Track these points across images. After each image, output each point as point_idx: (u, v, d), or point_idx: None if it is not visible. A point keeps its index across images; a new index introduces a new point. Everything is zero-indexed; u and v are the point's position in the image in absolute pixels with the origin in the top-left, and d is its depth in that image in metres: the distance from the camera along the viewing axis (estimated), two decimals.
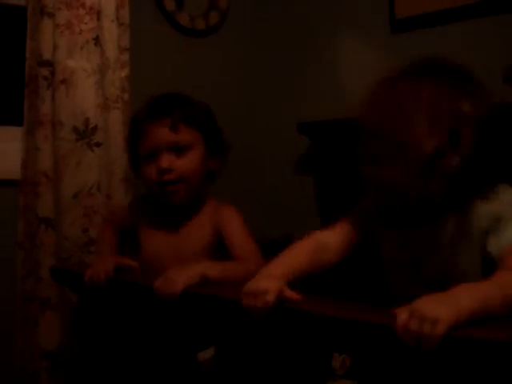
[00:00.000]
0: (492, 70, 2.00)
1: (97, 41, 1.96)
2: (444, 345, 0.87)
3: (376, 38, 2.36)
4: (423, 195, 1.18)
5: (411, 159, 1.15)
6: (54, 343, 1.92)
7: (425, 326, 0.87)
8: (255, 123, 2.62)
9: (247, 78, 2.64)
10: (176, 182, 1.53)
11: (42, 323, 1.91)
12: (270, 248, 1.46)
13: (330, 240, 1.33)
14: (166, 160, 1.51)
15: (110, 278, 1.47)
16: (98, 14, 1.97)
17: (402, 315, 0.90)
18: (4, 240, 1.97)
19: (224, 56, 2.59)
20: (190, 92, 2.36)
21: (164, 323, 1.57)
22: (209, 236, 1.59)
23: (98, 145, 1.94)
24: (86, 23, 1.96)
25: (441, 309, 0.88)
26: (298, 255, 1.28)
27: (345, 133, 2.33)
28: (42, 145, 1.92)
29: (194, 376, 1.49)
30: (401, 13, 2.27)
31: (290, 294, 1.13)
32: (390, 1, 2.29)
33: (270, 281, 1.15)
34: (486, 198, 1.16)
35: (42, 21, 1.92)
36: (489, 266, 1.12)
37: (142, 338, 1.61)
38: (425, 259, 1.23)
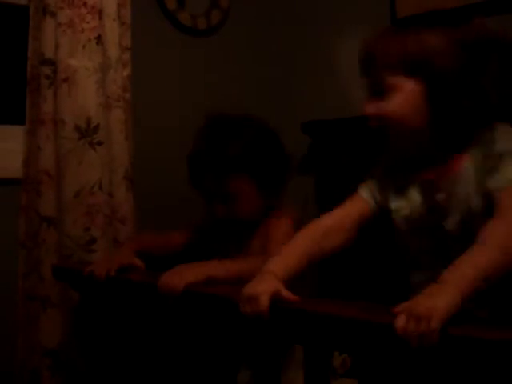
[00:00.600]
0: None
1: (98, 40, 1.96)
2: (445, 342, 0.87)
3: None
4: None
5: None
6: (55, 341, 1.91)
7: (421, 325, 0.88)
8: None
9: (249, 78, 2.64)
10: (233, 221, 1.60)
11: (43, 321, 1.91)
12: None
13: (333, 223, 1.31)
14: (220, 211, 1.59)
15: (111, 275, 1.47)
16: (100, 13, 1.97)
17: (400, 318, 0.91)
18: (6, 238, 1.97)
19: (225, 55, 2.59)
20: (191, 92, 2.38)
21: (165, 322, 1.58)
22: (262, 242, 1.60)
23: (99, 143, 1.94)
24: (87, 22, 1.96)
25: (433, 303, 0.89)
26: (299, 247, 1.26)
27: (346, 132, 2.35)
28: (43, 143, 1.92)
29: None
30: (402, 12, 2.28)
31: (286, 294, 1.13)
32: (391, 0, 2.30)
33: (266, 283, 1.14)
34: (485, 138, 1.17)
35: (44, 20, 1.92)
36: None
37: (144, 336, 1.62)
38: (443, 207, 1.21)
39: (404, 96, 1.18)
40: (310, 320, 1.07)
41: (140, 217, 2.05)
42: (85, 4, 1.96)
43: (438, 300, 0.90)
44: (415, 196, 1.26)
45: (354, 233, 1.32)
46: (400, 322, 0.90)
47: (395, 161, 1.31)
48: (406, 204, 1.27)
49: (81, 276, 1.57)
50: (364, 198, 1.34)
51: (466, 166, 1.18)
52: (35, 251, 1.93)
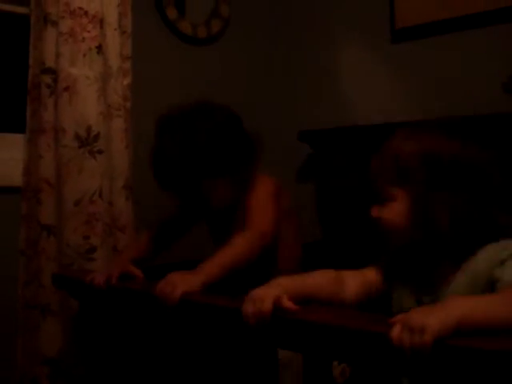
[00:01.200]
0: (492, 79, 2.02)
1: (99, 49, 1.97)
2: (438, 353, 0.88)
3: (376, 48, 2.39)
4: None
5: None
6: (54, 350, 1.92)
7: (415, 336, 0.90)
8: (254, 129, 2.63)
9: (249, 86, 2.65)
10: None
11: (43, 330, 1.92)
12: None
13: (350, 281, 1.33)
14: (194, 206, 1.64)
15: (112, 283, 1.48)
16: (101, 23, 1.99)
17: (395, 329, 0.93)
18: (6, 246, 1.98)
19: (226, 64, 2.60)
20: (191, 100, 2.38)
21: (164, 330, 1.58)
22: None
23: (100, 152, 1.95)
24: (88, 31, 1.97)
25: (428, 318, 0.92)
26: (316, 277, 1.29)
27: (345, 141, 2.36)
28: (44, 152, 1.93)
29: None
30: (401, 22, 2.29)
31: (286, 303, 1.13)
32: (391, 10, 2.32)
33: (272, 288, 1.16)
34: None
35: (46, 29, 1.93)
36: None
37: (143, 345, 1.62)
38: None
39: (396, 206, 1.24)
40: (308, 329, 1.08)
41: (140, 226, 2.06)
42: (86, 13, 1.97)
43: (435, 316, 0.93)
44: (407, 295, 1.30)
45: (360, 300, 1.33)
46: (395, 332, 0.93)
47: (394, 258, 1.35)
48: (401, 300, 1.31)
49: (80, 284, 1.57)
50: (377, 276, 1.36)
51: (457, 280, 1.21)
52: (35, 259, 1.93)
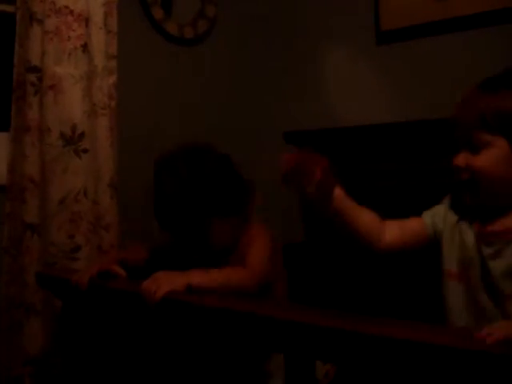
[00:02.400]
0: (475, 81, 2.04)
1: (85, 48, 1.97)
2: None
3: (361, 50, 2.40)
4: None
5: None
6: (38, 349, 1.91)
7: None
8: (242, 132, 2.64)
9: (235, 87, 2.66)
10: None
11: (26, 329, 1.91)
12: None
13: (392, 225, 1.35)
14: (194, 246, 1.60)
15: (93, 280, 1.47)
16: (87, 22, 1.98)
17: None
18: None
19: (212, 64, 2.60)
20: (178, 101, 2.39)
21: (148, 329, 1.58)
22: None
23: (85, 151, 1.94)
24: (74, 30, 1.96)
25: None
26: (366, 213, 1.32)
27: (330, 142, 2.36)
28: (28, 150, 1.92)
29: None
30: (386, 25, 2.31)
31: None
32: (375, 13, 2.33)
33: None
34: None
35: (31, 27, 1.93)
36: None
37: (126, 344, 1.62)
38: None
39: (493, 153, 1.21)
40: (291, 329, 1.08)
41: (124, 224, 2.06)
42: (71, 12, 1.97)
43: None
44: (469, 241, 1.28)
45: (397, 241, 1.35)
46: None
47: (465, 204, 1.33)
48: (459, 245, 1.30)
49: (63, 284, 1.57)
50: (424, 221, 1.36)
51: None
52: (19, 258, 1.92)
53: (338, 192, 1.25)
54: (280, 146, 2.45)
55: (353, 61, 2.43)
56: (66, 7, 1.97)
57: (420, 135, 2.03)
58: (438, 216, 1.35)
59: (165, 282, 1.30)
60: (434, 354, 0.89)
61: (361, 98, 2.40)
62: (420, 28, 2.24)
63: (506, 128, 1.19)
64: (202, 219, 1.53)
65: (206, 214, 1.52)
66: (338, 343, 1.01)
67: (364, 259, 1.98)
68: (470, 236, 1.27)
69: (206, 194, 1.51)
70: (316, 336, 1.04)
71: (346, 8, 2.44)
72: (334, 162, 2.29)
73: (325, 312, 1.13)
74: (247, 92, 2.68)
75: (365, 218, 1.31)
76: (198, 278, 1.36)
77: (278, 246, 1.64)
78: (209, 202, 1.52)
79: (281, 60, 2.65)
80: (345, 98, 2.46)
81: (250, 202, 1.64)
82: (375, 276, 2.14)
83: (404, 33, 2.28)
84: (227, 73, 2.65)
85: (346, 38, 2.45)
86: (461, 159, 1.25)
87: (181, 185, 1.51)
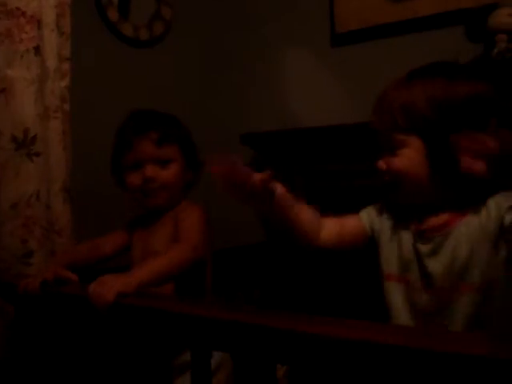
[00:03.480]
0: None
1: (37, 50, 1.93)
2: None
3: (316, 52, 2.42)
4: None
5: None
6: None
7: None
8: (198, 133, 2.63)
9: (191, 89, 2.65)
10: (157, 189, 1.64)
11: None
12: None
13: (329, 223, 1.35)
14: (151, 170, 1.63)
15: (47, 286, 1.46)
16: (39, 23, 1.95)
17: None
18: None
19: (168, 67, 2.60)
20: (133, 102, 2.37)
21: (101, 334, 1.57)
22: (171, 229, 1.63)
23: (37, 155, 1.91)
24: (26, 32, 1.93)
25: None
26: (305, 210, 1.32)
27: (287, 144, 2.37)
28: None
29: None
30: (340, 27, 2.33)
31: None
32: (331, 15, 2.35)
33: None
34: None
35: None
36: None
37: (80, 349, 1.60)
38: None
39: (408, 152, 1.21)
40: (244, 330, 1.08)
41: (78, 229, 2.03)
42: (23, 14, 1.94)
43: None
44: (406, 241, 1.28)
45: (334, 237, 1.35)
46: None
47: (399, 204, 1.33)
48: (397, 246, 1.30)
49: (14, 290, 1.55)
50: (362, 221, 1.37)
51: (460, 228, 1.21)
52: None
53: (279, 191, 1.22)
54: (237, 148, 2.45)
55: (308, 63, 2.45)
56: (18, 9, 1.93)
57: (374, 136, 2.05)
58: (374, 216, 1.36)
59: (114, 284, 1.29)
60: (379, 352, 0.90)
61: (317, 99, 2.42)
62: (375, 30, 2.27)
63: (416, 125, 1.19)
64: (171, 143, 1.65)
65: (175, 140, 1.66)
66: (289, 344, 1.02)
67: (320, 258, 2.00)
68: (406, 237, 1.28)
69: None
70: (265, 336, 1.04)
71: (301, 10, 2.45)
72: (292, 163, 2.31)
73: (269, 312, 1.13)
74: (203, 94, 2.68)
75: (304, 215, 1.31)
76: (140, 276, 1.35)
77: (208, 216, 1.66)
78: (181, 136, 1.69)
79: (237, 62, 2.65)
80: (301, 100, 2.48)
81: (198, 175, 1.73)
82: (333, 275, 2.16)
83: (359, 35, 2.31)
84: (183, 75, 2.64)
85: (301, 39, 2.47)
86: (381, 162, 1.26)
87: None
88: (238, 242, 2.34)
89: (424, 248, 1.24)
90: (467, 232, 1.20)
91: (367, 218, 1.36)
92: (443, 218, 1.23)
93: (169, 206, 1.67)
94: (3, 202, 1.87)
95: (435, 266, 1.22)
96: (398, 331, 0.99)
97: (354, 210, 2.13)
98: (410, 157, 1.21)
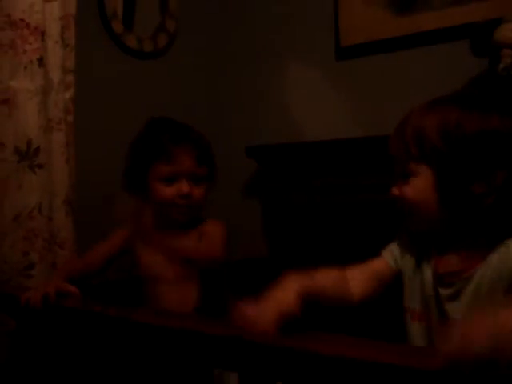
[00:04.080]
0: (433, 96, 2.06)
1: (41, 61, 1.93)
2: None
3: (321, 65, 2.42)
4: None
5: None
6: None
7: None
8: None
9: (195, 101, 2.65)
10: (187, 205, 1.64)
11: None
12: None
13: (355, 278, 1.31)
14: (188, 187, 1.63)
15: (50, 301, 1.45)
16: (43, 35, 1.95)
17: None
18: None
19: (172, 79, 2.59)
20: (137, 114, 2.37)
21: (105, 349, 1.55)
22: (195, 241, 1.64)
23: (40, 166, 1.90)
24: (30, 43, 1.93)
25: None
26: (319, 277, 1.26)
27: (291, 157, 2.37)
28: None
29: None
30: (345, 41, 2.33)
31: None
32: (335, 29, 2.35)
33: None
34: None
35: None
36: None
37: (81, 363, 1.59)
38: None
39: (418, 181, 1.20)
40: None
41: (80, 242, 2.02)
42: (27, 25, 1.93)
43: None
44: (428, 278, 1.26)
45: (368, 287, 1.32)
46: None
47: (417, 238, 1.32)
48: (420, 282, 1.28)
49: (16, 303, 1.54)
50: (386, 260, 1.34)
51: (481, 271, 1.17)
52: None
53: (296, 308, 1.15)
54: (242, 161, 2.45)
55: (313, 76, 2.45)
56: (22, 20, 1.93)
57: (379, 150, 2.04)
58: (397, 253, 1.33)
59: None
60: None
61: (321, 113, 2.42)
62: (379, 44, 2.27)
63: (426, 155, 1.18)
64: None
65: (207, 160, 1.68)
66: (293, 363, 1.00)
67: None
68: (428, 273, 1.25)
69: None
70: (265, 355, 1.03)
71: (306, 23, 2.45)
72: (296, 176, 2.31)
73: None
74: (208, 106, 2.67)
75: (331, 290, 1.27)
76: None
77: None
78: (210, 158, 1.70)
79: (241, 74, 2.65)
80: (305, 113, 2.47)
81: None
82: None
83: (363, 48, 2.30)
84: (187, 87, 2.64)
85: (306, 53, 2.47)
86: (395, 188, 1.25)
87: None
88: (239, 256, 2.33)
89: (444, 291, 1.21)
90: (487, 274, 1.16)
91: (391, 256, 1.34)
92: (462, 260, 1.20)
93: (190, 222, 1.67)
94: (6, 213, 1.87)
95: (455, 310, 1.19)
96: (399, 350, 0.98)
97: (357, 224, 2.13)
98: (419, 186, 1.20)
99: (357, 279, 1.31)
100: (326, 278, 1.28)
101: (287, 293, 1.15)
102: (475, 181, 1.14)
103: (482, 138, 1.14)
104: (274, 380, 1.13)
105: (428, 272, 1.25)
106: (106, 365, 1.59)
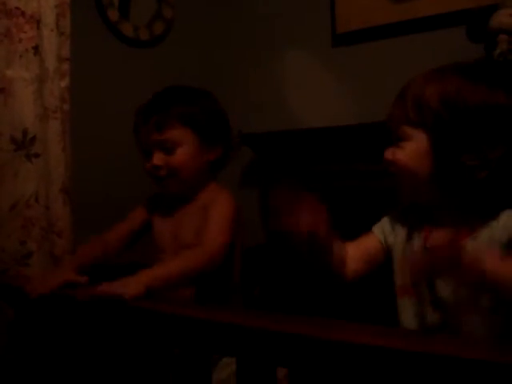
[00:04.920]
0: None
1: (36, 50, 1.93)
2: None
3: (317, 52, 2.41)
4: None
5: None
6: None
7: None
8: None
9: None
10: (167, 176, 1.57)
11: None
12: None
13: (348, 257, 1.31)
14: (156, 158, 1.56)
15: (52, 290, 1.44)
16: (38, 23, 1.94)
17: None
18: None
19: (168, 66, 2.58)
20: (133, 103, 2.36)
21: (102, 336, 1.56)
22: (199, 221, 1.56)
23: (36, 155, 1.90)
24: (25, 32, 1.92)
25: None
26: None
27: (287, 144, 2.37)
28: None
29: None
30: (341, 27, 2.32)
31: None
32: (332, 15, 2.34)
33: None
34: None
35: None
36: None
37: (79, 352, 1.59)
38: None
39: (411, 146, 1.19)
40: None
41: (77, 230, 2.02)
42: (23, 14, 1.93)
43: None
44: (417, 247, 1.26)
45: (361, 265, 1.33)
46: None
47: (408, 206, 1.31)
48: (409, 249, 1.28)
49: (15, 291, 1.54)
50: (378, 238, 1.34)
51: (471, 240, 1.17)
52: None
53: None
54: (237, 147, 2.44)
55: (309, 63, 2.44)
56: (17, 8, 1.92)
57: (376, 137, 2.05)
58: (387, 228, 1.33)
59: (124, 287, 1.28)
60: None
61: (317, 99, 2.41)
62: (376, 30, 2.26)
63: (425, 120, 1.17)
64: (179, 125, 1.57)
65: (184, 122, 1.57)
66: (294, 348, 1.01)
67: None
68: (418, 248, 1.25)
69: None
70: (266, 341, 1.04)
71: (302, 10, 2.44)
72: (292, 164, 2.31)
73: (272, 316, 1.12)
74: None
75: (337, 249, 1.27)
76: (153, 277, 1.34)
77: (239, 209, 1.58)
78: (194, 118, 1.58)
79: (238, 62, 2.64)
80: (301, 100, 2.47)
81: (228, 157, 1.67)
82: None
83: (360, 35, 2.30)
84: (183, 75, 2.63)
85: (302, 39, 2.46)
86: (388, 152, 1.24)
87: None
88: None
89: None
90: (475, 246, 1.14)
91: (381, 232, 1.33)
92: (451, 233, 1.16)
93: (190, 191, 1.62)
94: (2, 203, 1.87)
95: (442, 286, 1.19)
96: (398, 334, 0.99)
97: (354, 210, 2.13)
98: (413, 150, 1.19)
99: (350, 257, 1.31)
100: (339, 243, 1.28)
101: None
102: (469, 152, 1.13)
103: (485, 110, 1.13)
104: (274, 365, 1.14)
105: (418, 245, 1.25)
106: (102, 352, 1.59)
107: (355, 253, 1.32)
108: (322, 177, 2.25)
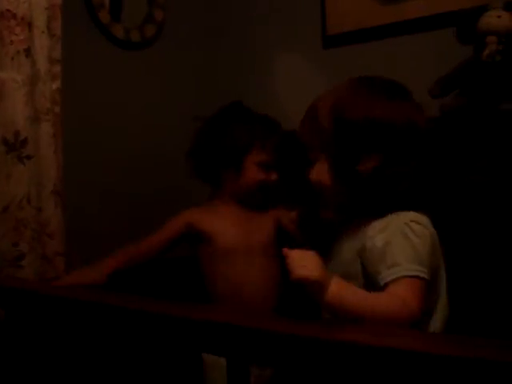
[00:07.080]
0: (420, 85, 2.07)
1: (28, 52, 1.93)
2: None
3: (308, 54, 2.42)
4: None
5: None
6: None
7: None
8: (192, 134, 2.63)
9: (183, 92, 2.65)
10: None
11: None
12: None
13: None
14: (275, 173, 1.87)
15: None
16: (30, 26, 1.95)
17: None
18: None
19: (159, 69, 2.59)
20: (125, 105, 2.37)
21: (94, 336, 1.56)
22: (271, 229, 1.84)
23: (28, 157, 1.90)
24: (16, 34, 1.92)
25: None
26: None
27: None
28: None
29: None
30: (332, 29, 2.33)
31: None
32: (322, 17, 2.35)
33: None
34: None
35: None
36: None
37: (71, 354, 1.60)
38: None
39: (319, 166, 1.31)
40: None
41: (69, 231, 2.03)
42: (14, 16, 1.93)
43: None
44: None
45: None
46: None
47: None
48: None
49: (6, 292, 1.54)
50: None
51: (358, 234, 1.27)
52: None
53: None
54: None
55: (300, 64, 2.45)
56: (9, 11, 1.92)
57: None
58: None
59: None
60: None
61: (308, 101, 2.41)
62: (366, 32, 2.28)
63: (323, 144, 1.29)
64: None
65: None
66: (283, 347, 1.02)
67: None
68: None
69: None
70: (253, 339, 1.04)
71: (292, 12, 2.46)
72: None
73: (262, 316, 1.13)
74: (196, 96, 2.67)
75: None
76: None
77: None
78: None
79: (229, 64, 2.65)
80: (292, 102, 2.47)
81: None
82: None
83: (350, 37, 2.31)
84: (175, 77, 2.64)
85: (293, 41, 2.47)
86: (308, 172, 1.34)
87: None
88: None
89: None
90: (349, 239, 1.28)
91: None
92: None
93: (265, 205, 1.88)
94: None
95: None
96: (389, 333, 0.99)
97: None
98: (318, 169, 1.30)
99: None
100: None
101: None
102: (360, 160, 1.23)
103: (363, 123, 1.23)
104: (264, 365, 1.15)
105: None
106: (95, 352, 1.59)
107: None
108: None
